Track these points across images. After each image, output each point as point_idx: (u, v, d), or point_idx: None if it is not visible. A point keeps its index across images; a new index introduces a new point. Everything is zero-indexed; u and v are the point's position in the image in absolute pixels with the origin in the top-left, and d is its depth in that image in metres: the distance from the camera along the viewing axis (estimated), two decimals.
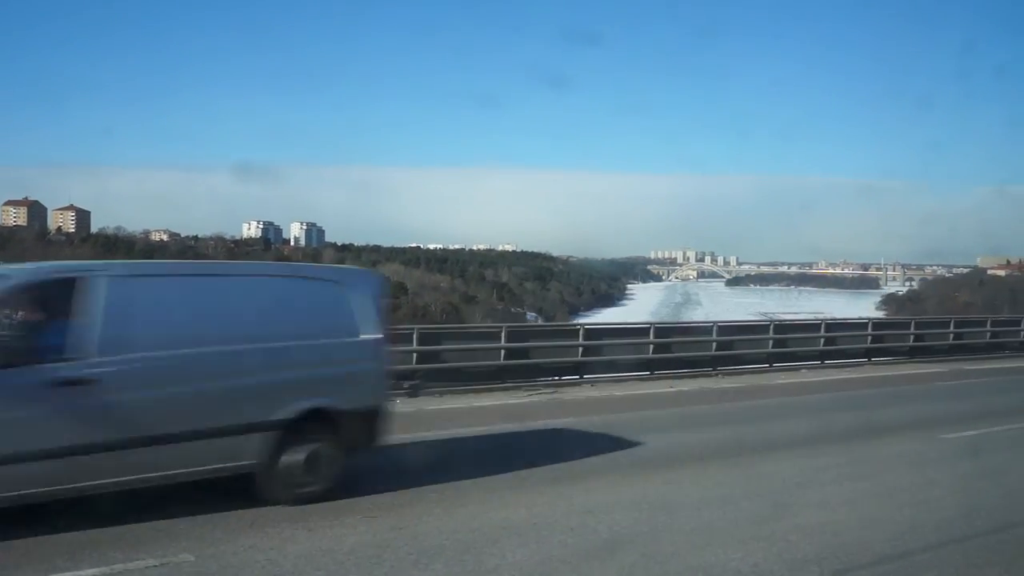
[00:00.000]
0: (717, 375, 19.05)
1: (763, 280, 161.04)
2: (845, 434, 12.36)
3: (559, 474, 9.17)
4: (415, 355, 15.44)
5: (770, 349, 21.24)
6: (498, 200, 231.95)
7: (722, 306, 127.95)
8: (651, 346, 18.17)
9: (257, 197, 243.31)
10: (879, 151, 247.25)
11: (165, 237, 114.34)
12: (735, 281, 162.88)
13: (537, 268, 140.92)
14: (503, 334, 16.18)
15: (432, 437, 11.18)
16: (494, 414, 13.74)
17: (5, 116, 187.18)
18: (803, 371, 20.59)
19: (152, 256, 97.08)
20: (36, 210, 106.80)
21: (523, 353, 16.58)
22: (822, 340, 22.64)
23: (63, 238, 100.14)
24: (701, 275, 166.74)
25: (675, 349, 18.94)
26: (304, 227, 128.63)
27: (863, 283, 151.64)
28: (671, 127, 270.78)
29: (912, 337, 25.00)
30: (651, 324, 20.08)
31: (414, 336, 15.57)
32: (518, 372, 16.29)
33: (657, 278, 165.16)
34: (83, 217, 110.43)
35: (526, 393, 15.82)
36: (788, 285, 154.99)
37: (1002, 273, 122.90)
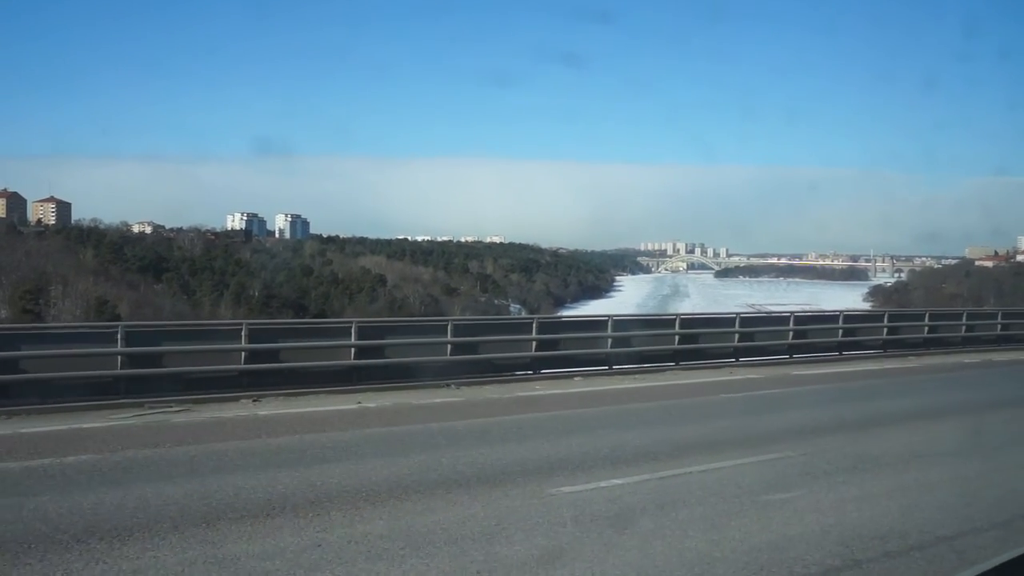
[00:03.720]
0: (451, 386, 14.38)
1: (752, 272, 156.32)
2: (406, 485, 8.05)
3: None
4: None
5: (544, 351, 15.80)
6: (487, 192, 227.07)
7: (710, 297, 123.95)
8: (353, 350, 13.51)
9: (243, 189, 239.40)
10: (874, 139, 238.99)
11: (148, 229, 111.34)
12: (724, 273, 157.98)
13: (524, 260, 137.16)
14: (119, 335, 11.74)
15: None
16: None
17: None
18: (576, 379, 15.70)
19: (123, 247, 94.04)
20: (15, 202, 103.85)
21: (152, 360, 12.08)
22: (677, 338, 17.58)
23: (41, 230, 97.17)
24: (691, 267, 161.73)
25: (385, 354, 14.13)
26: (289, 219, 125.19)
27: (852, 274, 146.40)
28: (666, 117, 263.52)
29: (841, 332, 20.50)
30: (352, 322, 14.82)
31: None
32: (150, 384, 11.89)
33: (647, 270, 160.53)
34: (64, 209, 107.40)
35: (136, 413, 11.44)
36: (776, 276, 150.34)
37: (989, 264, 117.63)
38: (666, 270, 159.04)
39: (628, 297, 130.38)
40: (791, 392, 15.38)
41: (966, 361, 20.63)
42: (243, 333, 12.79)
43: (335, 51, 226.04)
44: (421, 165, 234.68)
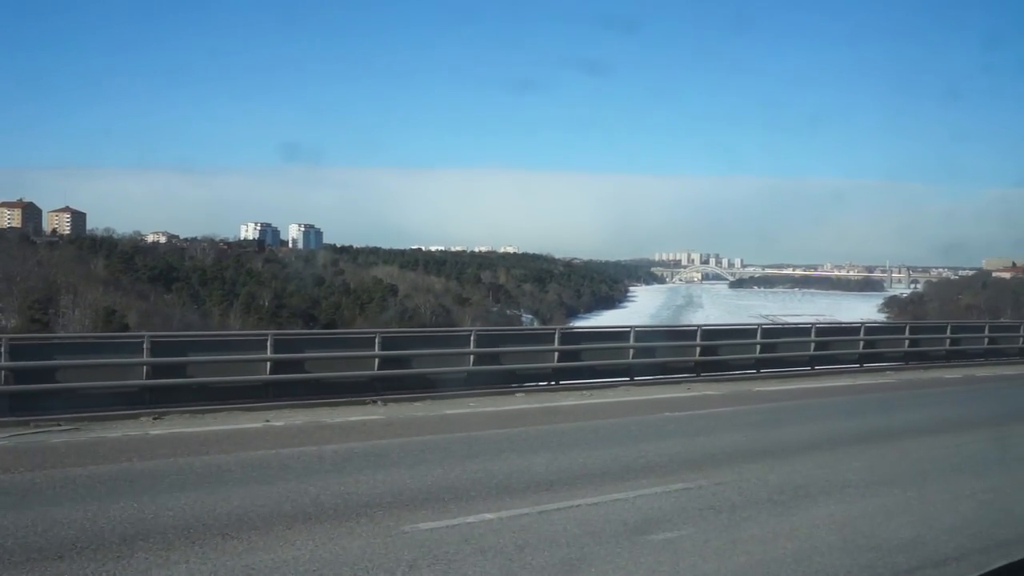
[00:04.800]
0: (377, 402, 13.48)
1: (767, 282, 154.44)
2: (247, 519, 7.19)
3: None
4: None
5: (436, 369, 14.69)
6: (503, 203, 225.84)
7: (723, 308, 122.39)
8: (268, 364, 12.57)
9: (261, 199, 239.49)
10: (895, 150, 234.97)
11: (163, 239, 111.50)
12: (738, 283, 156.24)
13: (537, 270, 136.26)
14: (3, 349, 10.84)
15: None
16: None
17: (2, 117, 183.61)
18: (518, 395, 14.58)
19: (133, 258, 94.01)
20: (31, 212, 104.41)
21: (43, 375, 11.16)
22: (631, 352, 16.48)
23: (55, 240, 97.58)
24: (705, 277, 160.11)
25: (305, 368, 13.16)
26: (302, 229, 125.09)
27: (867, 285, 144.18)
28: (685, 127, 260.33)
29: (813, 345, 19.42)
30: (268, 334, 13.84)
31: None
32: (40, 401, 11.03)
33: (661, 280, 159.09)
34: (79, 219, 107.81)
35: (16, 433, 10.61)
36: (792, 287, 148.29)
37: (1007, 275, 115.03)
38: (680, 280, 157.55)
39: (642, 307, 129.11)
40: (743, 411, 14.36)
41: (946, 377, 19.47)
42: (145, 346, 11.97)
43: (355, 60, 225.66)
44: (438, 175, 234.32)
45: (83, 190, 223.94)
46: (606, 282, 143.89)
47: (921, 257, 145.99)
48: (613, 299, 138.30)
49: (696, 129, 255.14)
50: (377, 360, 13.61)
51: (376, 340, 13.78)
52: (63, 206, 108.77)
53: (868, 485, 9.23)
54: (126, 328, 63.64)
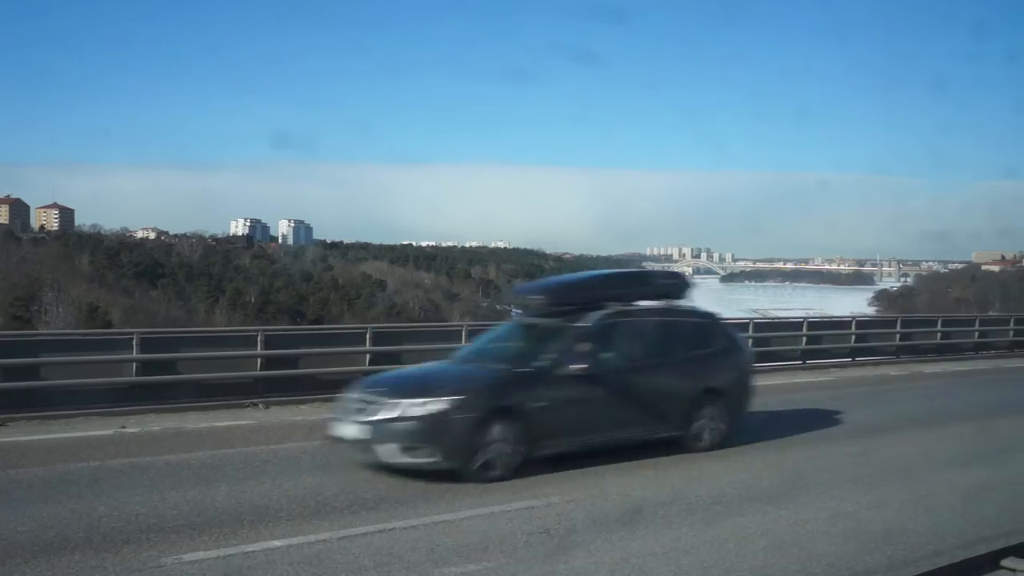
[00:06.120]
0: (259, 406, 12.37)
1: (758, 276, 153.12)
2: None
3: None
4: None
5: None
6: (493, 197, 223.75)
7: (715, 302, 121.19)
8: (135, 365, 11.57)
9: (253, 195, 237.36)
10: (883, 142, 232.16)
11: (151, 235, 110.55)
12: (730, 277, 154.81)
13: (528, 265, 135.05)
14: None
15: None
16: None
17: None
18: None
19: (119, 254, 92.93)
20: (18, 208, 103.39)
21: None
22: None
23: (41, 236, 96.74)
24: (697, 271, 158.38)
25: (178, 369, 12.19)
26: (292, 225, 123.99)
27: (858, 279, 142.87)
28: (676, 120, 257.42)
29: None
30: (134, 332, 12.72)
31: None
32: None
33: None
34: (67, 215, 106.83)
35: None
36: (782, 281, 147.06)
37: (996, 268, 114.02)
38: None
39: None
40: None
41: (892, 373, 18.39)
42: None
43: (345, 54, 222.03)
44: (430, 170, 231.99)
45: (73, 186, 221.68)
46: None
47: (911, 250, 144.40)
48: None
49: (686, 122, 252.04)
50: (260, 360, 12.57)
51: (259, 339, 12.73)
52: (51, 202, 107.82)
53: (741, 501, 8.21)
54: (109, 324, 62.70)
